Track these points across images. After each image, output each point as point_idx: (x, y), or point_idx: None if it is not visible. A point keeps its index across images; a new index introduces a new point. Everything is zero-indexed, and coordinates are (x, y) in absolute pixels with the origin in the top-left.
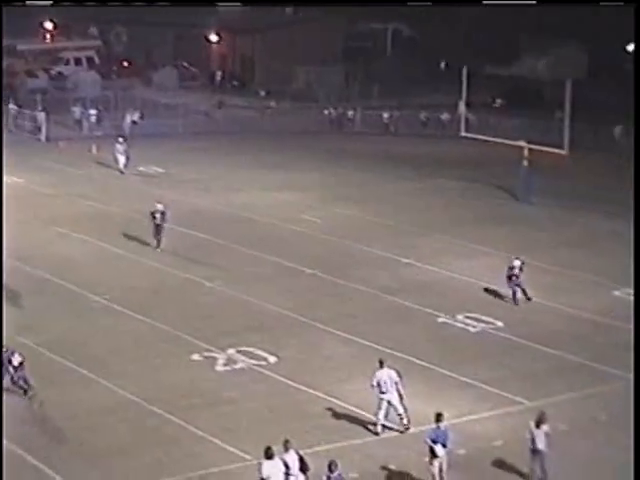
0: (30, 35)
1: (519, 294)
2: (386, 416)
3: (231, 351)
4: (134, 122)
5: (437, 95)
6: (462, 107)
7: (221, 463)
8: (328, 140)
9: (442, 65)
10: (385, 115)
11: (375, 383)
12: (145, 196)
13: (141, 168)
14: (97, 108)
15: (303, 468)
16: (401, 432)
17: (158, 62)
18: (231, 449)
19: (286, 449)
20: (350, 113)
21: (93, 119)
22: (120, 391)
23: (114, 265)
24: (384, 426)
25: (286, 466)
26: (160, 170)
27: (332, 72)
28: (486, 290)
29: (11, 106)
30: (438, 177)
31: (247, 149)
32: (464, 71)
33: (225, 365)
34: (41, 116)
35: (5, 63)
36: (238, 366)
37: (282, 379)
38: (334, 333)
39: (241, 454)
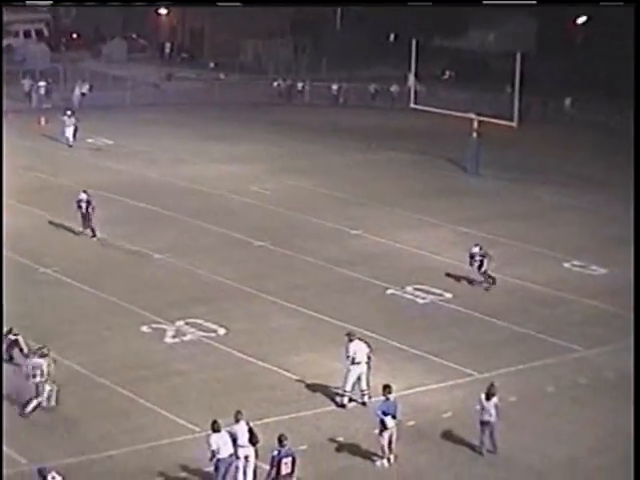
0: None
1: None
2: (353, 388)
3: (180, 323)
4: (83, 94)
5: (386, 68)
6: (412, 79)
7: (170, 435)
8: (277, 112)
9: (391, 38)
10: (334, 87)
11: (351, 354)
12: (93, 168)
13: (90, 140)
14: (46, 80)
15: (252, 440)
16: (363, 404)
17: (107, 34)
18: (180, 421)
19: (237, 420)
20: (300, 85)
21: (42, 91)
22: (68, 363)
23: (62, 237)
24: (351, 399)
25: (235, 438)
26: (109, 142)
27: (281, 45)
28: (435, 262)
29: None
30: (388, 149)
31: (196, 121)
32: (413, 43)
33: (174, 337)
34: None
35: None
36: (187, 338)
37: (231, 351)
38: (283, 305)
39: (190, 426)
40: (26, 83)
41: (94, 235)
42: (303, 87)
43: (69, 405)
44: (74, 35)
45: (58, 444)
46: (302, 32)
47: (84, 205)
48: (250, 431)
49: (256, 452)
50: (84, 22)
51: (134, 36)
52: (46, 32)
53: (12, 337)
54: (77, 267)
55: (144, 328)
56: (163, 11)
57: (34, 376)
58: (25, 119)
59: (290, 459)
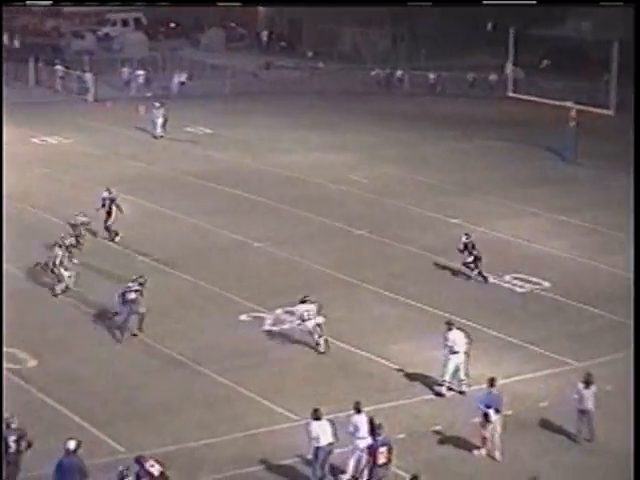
0: None
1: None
2: (452, 377)
3: (279, 311)
4: (182, 83)
5: (484, 56)
6: (509, 68)
7: (269, 423)
8: (375, 101)
9: (489, 26)
10: (431, 76)
11: (450, 343)
12: (192, 157)
13: (189, 129)
14: (145, 69)
15: (373, 431)
16: (461, 393)
17: (205, 23)
18: (279, 409)
19: (357, 411)
20: (399, 73)
21: (141, 80)
22: (168, 351)
23: (162, 225)
24: (450, 388)
25: (356, 428)
26: (208, 131)
27: (379, 33)
28: (532, 250)
29: (58, 67)
30: (485, 138)
31: (294, 110)
32: (511, 32)
33: (273, 325)
34: (89, 77)
35: (51, 24)
36: (286, 326)
37: (330, 339)
38: (381, 293)
39: (288, 414)
40: (125, 72)
41: (112, 238)
42: (402, 76)
43: (168, 393)
44: (172, 24)
45: (156, 432)
46: (400, 21)
47: (107, 203)
48: (370, 422)
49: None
50: (183, 10)
51: (232, 25)
52: (144, 20)
53: None
54: (176, 255)
55: (243, 316)
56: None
57: None
58: (124, 107)
59: (386, 448)
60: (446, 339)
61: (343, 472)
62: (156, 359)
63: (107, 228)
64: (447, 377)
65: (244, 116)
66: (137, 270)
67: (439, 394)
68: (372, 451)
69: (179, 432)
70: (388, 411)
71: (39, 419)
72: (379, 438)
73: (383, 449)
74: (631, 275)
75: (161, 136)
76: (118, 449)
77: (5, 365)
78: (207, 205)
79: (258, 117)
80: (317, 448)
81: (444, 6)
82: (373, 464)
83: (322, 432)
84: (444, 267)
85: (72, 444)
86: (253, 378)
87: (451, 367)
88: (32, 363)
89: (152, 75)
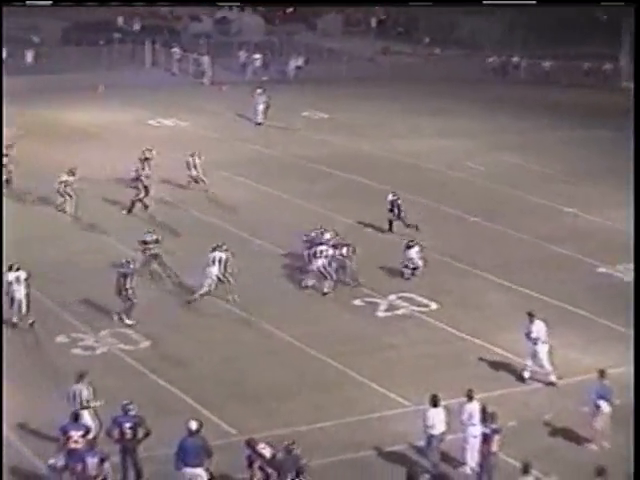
0: None
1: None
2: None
3: (392, 297)
4: (298, 67)
5: (599, 45)
6: (624, 58)
7: (381, 408)
8: (490, 88)
9: (603, 17)
10: (546, 64)
11: (534, 335)
12: (308, 141)
13: (305, 113)
14: (262, 53)
15: (485, 418)
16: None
17: (322, 7)
18: (391, 395)
19: (469, 398)
20: (515, 60)
21: (258, 64)
22: (281, 334)
23: (277, 209)
24: (531, 377)
25: (470, 416)
26: (324, 115)
27: (495, 20)
28: None
29: (175, 49)
30: (599, 127)
31: (410, 96)
32: (624, 23)
33: (386, 311)
34: (205, 60)
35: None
36: (399, 312)
37: (442, 326)
38: (493, 281)
39: (401, 400)
40: (242, 55)
41: (130, 210)
42: (517, 64)
43: (280, 376)
44: (289, 8)
45: (268, 415)
46: (517, 8)
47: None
48: (483, 410)
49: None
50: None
51: (349, 10)
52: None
53: None
54: (291, 239)
55: (356, 301)
56: None
57: None
58: (240, 91)
59: (499, 436)
60: (530, 330)
61: (459, 462)
62: (269, 342)
63: (133, 203)
64: (529, 362)
65: (360, 101)
66: (253, 254)
67: (522, 378)
68: (486, 439)
69: (291, 415)
70: (499, 399)
71: (151, 400)
72: (492, 426)
73: (497, 437)
74: None
75: (259, 123)
76: (230, 431)
77: (119, 346)
78: (321, 189)
79: (374, 102)
80: (431, 436)
81: (444, 6)
82: (487, 452)
83: (438, 420)
84: (557, 255)
85: (194, 424)
86: (365, 363)
87: (545, 356)
88: (145, 344)
89: (269, 59)
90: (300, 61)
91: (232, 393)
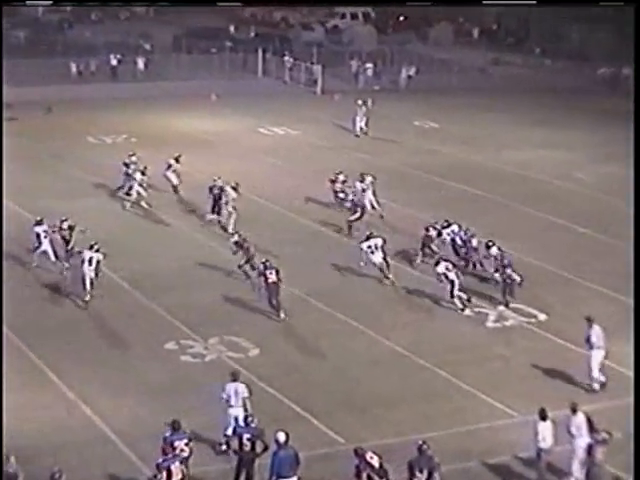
0: None
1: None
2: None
3: (501, 307)
4: (409, 77)
5: None
6: None
7: (489, 419)
8: (601, 99)
9: None
10: None
11: (594, 339)
12: (417, 150)
13: (416, 122)
14: (373, 62)
15: (592, 430)
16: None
17: (433, 17)
18: (499, 405)
19: (573, 411)
20: (625, 71)
21: (369, 73)
22: (389, 343)
23: (387, 218)
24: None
25: (578, 428)
26: (435, 125)
27: (606, 31)
28: None
29: (286, 58)
30: None
31: (520, 107)
32: None
33: (496, 322)
34: (317, 69)
35: (280, 14)
36: (508, 323)
37: (550, 337)
38: (600, 291)
39: (509, 411)
40: (353, 64)
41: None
42: (628, 75)
43: (388, 385)
44: (401, 17)
45: (376, 424)
46: (628, 18)
47: (216, 192)
48: (589, 421)
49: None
50: (411, 5)
51: (460, 20)
52: (373, 13)
53: None
54: (403, 248)
55: (467, 312)
56: None
57: None
58: (351, 100)
59: (603, 448)
60: (589, 335)
61: (565, 472)
62: (378, 351)
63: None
64: (595, 371)
65: (470, 111)
66: (360, 261)
67: (593, 390)
68: (591, 450)
69: (399, 425)
70: (604, 410)
71: (259, 408)
72: (599, 437)
73: (602, 448)
74: None
75: (357, 135)
76: (338, 440)
77: (228, 353)
78: (432, 198)
79: (484, 113)
80: (541, 449)
81: (444, 6)
82: (592, 463)
83: (547, 434)
84: None
85: (283, 436)
86: (473, 373)
87: (596, 363)
88: (254, 352)
89: (380, 68)
90: (411, 71)
91: (340, 402)
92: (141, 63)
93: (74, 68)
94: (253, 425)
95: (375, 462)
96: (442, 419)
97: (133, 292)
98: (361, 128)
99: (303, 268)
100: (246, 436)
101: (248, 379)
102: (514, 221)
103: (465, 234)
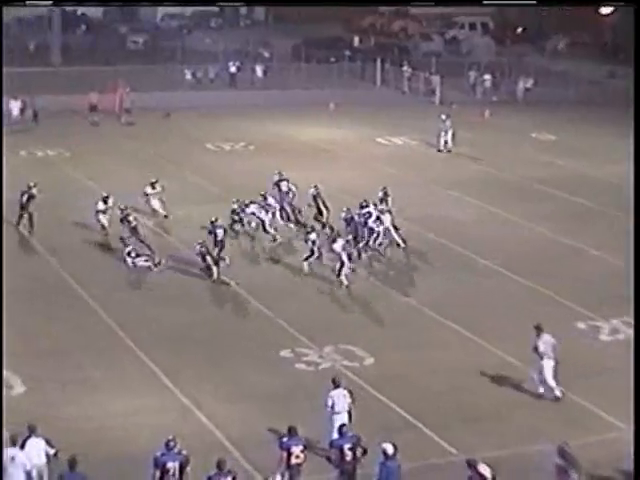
0: None
1: None
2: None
3: (615, 321)
4: (527, 89)
5: None
6: None
7: (599, 432)
8: None
9: None
10: None
11: (541, 350)
12: (534, 162)
13: (533, 134)
14: (491, 74)
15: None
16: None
17: (550, 29)
18: (609, 418)
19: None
20: None
21: (487, 84)
22: (499, 353)
23: (503, 230)
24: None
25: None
26: (552, 137)
27: None
28: None
29: (405, 68)
30: None
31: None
32: None
33: (609, 335)
34: (435, 79)
35: (399, 24)
36: (621, 337)
37: None
38: None
39: (618, 423)
40: (471, 75)
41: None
42: None
43: (499, 396)
44: (518, 29)
45: (487, 435)
46: None
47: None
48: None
49: None
50: (529, 16)
51: (576, 32)
52: (491, 25)
53: None
54: (515, 259)
55: (580, 324)
56: (606, 10)
57: None
58: (469, 111)
59: None
60: (537, 345)
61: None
62: (488, 361)
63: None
64: (550, 380)
65: (587, 124)
66: (479, 271)
67: (557, 398)
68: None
69: (509, 436)
70: None
71: (370, 416)
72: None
73: None
74: None
75: (439, 150)
76: (450, 451)
77: (343, 362)
78: (547, 211)
79: (601, 126)
80: None
81: (444, 6)
82: None
83: None
84: None
85: (391, 448)
86: (586, 385)
87: (548, 372)
88: (369, 361)
89: (499, 80)
90: (529, 83)
91: (453, 412)
92: (260, 71)
93: (188, 75)
94: (350, 434)
95: (488, 474)
96: (550, 431)
97: (250, 299)
98: (445, 142)
99: (421, 279)
100: (347, 446)
101: (362, 388)
102: (628, 235)
103: None
